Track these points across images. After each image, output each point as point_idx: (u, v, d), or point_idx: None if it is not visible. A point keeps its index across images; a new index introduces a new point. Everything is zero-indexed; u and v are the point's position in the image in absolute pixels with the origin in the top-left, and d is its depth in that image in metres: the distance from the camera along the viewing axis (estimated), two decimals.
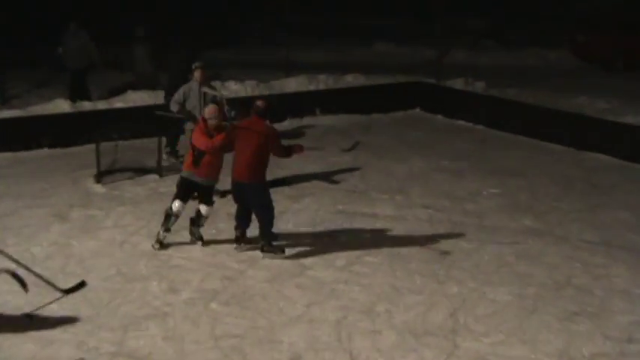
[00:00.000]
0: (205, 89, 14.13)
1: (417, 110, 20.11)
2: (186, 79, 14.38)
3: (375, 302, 10.51)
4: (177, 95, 14.11)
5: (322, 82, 20.18)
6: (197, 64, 14.21)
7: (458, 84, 20.67)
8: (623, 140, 16.48)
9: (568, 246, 12.26)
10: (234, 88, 19.39)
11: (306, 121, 19.01)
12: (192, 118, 13.90)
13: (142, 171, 15.23)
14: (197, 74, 14.06)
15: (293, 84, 19.98)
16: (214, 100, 13.64)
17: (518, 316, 10.24)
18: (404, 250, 12.06)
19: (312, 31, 27.90)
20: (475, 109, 19.10)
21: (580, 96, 19.88)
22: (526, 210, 13.71)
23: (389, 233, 12.60)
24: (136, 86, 19.21)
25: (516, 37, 29.12)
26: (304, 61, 22.96)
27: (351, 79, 20.61)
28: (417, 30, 26.46)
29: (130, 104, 18.09)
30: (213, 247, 12.05)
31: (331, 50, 26.50)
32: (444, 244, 12.28)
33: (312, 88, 19.95)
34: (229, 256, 11.69)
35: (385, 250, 12.04)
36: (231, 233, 12.01)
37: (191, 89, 14.11)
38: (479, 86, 20.67)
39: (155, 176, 15.00)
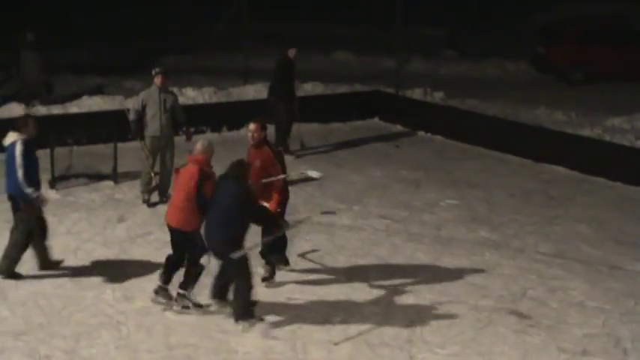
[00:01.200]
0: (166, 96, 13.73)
1: (376, 120, 20.07)
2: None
3: (331, 313, 10.44)
4: (136, 102, 13.75)
5: None
6: (157, 69, 13.84)
7: (417, 94, 20.71)
8: (581, 153, 16.55)
9: (524, 258, 12.27)
10: (191, 95, 19.27)
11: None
12: (137, 134, 13.54)
13: (98, 177, 15.08)
14: (157, 80, 13.61)
15: (251, 91, 19.88)
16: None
17: (474, 327, 10.22)
18: (361, 261, 12.02)
19: (272, 39, 27.79)
20: (434, 120, 19.08)
21: (539, 108, 20.06)
22: (483, 222, 13.72)
23: (346, 243, 12.54)
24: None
25: (476, 47, 29.23)
26: (263, 68, 22.83)
27: (310, 88, 20.55)
28: (377, 39, 26.44)
29: (85, 109, 17.92)
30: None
31: None
32: (401, 255, 12.25)
33: None
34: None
35: (342, 260, 11.99)
36: None
37: (150, 96, 13.66)
38: (438, 96, 20.75)
39: (110, 182, 14.87)
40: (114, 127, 15.12)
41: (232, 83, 20.58)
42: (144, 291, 10.79)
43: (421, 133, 19.01)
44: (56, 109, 17.91)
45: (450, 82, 23.67)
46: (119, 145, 15.01)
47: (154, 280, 11.00)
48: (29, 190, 10.78)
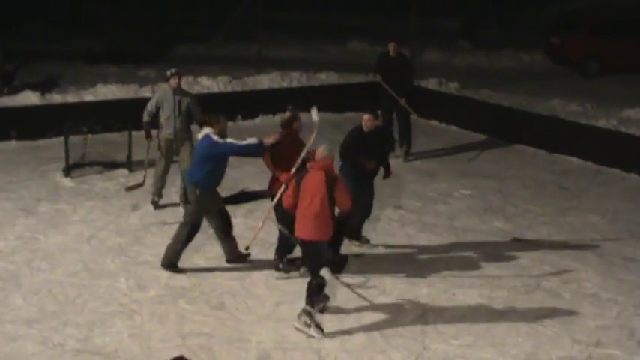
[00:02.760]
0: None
1: None
2: None
3: (344, 302, 10.45)
4: (150, 104, 13.25)
5: (295, 79, 20.09)
6: (172, 70, 13.18)
7: (431, 84, 20.63)
8: (595, 144, 16.51)
9: (538, 249, 12.25)
10: (206, 84, 19.27)
11: (278, 118, 18.79)
12: (149, 136, 13.23)
13: (112, 165, 15.13)
14: (172, 81, 13.06)
15: (266, 81, 19.89)
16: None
17: (487, 318, 10.22)
18: (374, 251, 12.02)
19: (286, 28, 27.81)
20: (448, 110, 19.05)
21: (553, 99, 19.97)
22: (497, 212, 13.71)
23: (360, 233, 12.52)
24: None
25: (491, 38, 29.15)
26: (277, 57, 22.87)
27: (325, 77, 20.54)
28: (392, 29, 26.40)
29: (101, 97, 17.95)
30: None
31: (305, 48, 26.41)
32: (415, 246, 12.24)
33: (284, 85, 19.82)
34: (198, 254, 11.59)
35: (355, 250, 11.99)
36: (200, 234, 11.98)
37: (165, 97, 13.15)
38: (452, 87, 20.66)
39: (125, 171, 14.89)
40: (128, 116, 15.11)
41: (247, 72, 20.55)
42: (158, 280, 10.85)
43: (435, 123, 18.95)
44: (71, 97, 17.92)
45: (465, 72, 23.68)
46: (133, 133, 14.96)
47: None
48: None
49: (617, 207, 14.12)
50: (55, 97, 17.81)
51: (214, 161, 10.87)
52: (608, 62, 24.94)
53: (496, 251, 12.14)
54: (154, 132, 13.29)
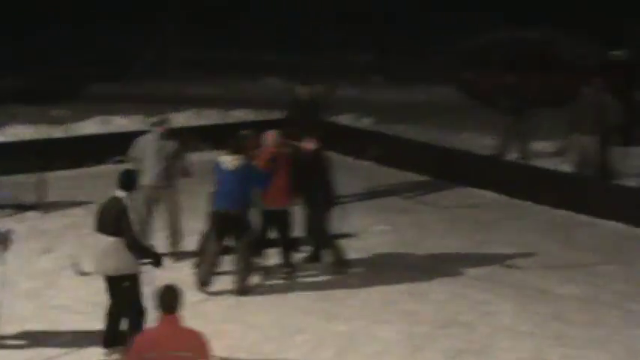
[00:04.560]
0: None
1: None
2: None
3: (262, 341, 10.40)
4: (132, 149, 12.96)
5: (210, 117, 20.02)
6: (159, 118, 13.24)
7: (346, 120, 20.73)
8: (508, 177, 16.75)
9: (455, 283, 12.35)
10: (120, 123, 19.12)
11: (194, 157, 18.70)
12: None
13: (23, 207, 14.81)
14: (160, 128, 12.97)
15: (181, 119, 19.74)
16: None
17: (405, 354, 10.25)
18: (291, 288, 11.99)
19: (201, 65, 27.73)
20: (363, 145, 19.13)
21: (466, 133, 20.21)
22: (414, 247, 13.78)
23: (276, 271, 12.47)
24: None
25: (404, 72, 29.42)
26: (192, 95, 22.80)
27: (240, 114, 20.49)
28: (306, 65, 26.52)
29: (10, 139, 17.66)
30: (98, 285, 11.76)
31: (220, 85, 26.40)
32: (332, 282, 12.23)
33: (200, 123, 19.75)
34: None
35: (272, 288, 11.95)
36: None
37: (148, 143, 12.88)
38: (367, 122, 20.78)
39: (36, 213, 14.62)
40: (40, 157, 14.90)
41: (162, 111, 20.27)
42: (71, 324, 10.64)
43: (350, 159, 19.00)
44: None
45: (379, 107, 23.72)
46: (45, 174, 14.72)
47: (81, 312, 10.86)
48: None
49: (530, 239, 14.31)
50: None
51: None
52: (520, 97, 25.32)
53: (413, 286, 12.18)
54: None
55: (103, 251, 9.73)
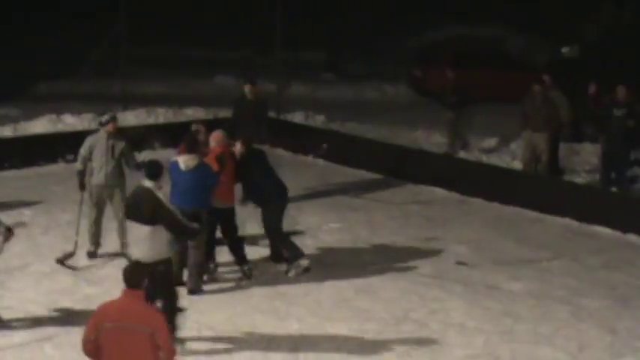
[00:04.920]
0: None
1: None
2: None
3: (215, 340, 10.39)
4: (83, 149, 12.76)
5: (161, 115, 19.96)
6: (109, 116, 12.91)
7: (297, 117, 20.75)
8: (458, 174, 16.88)
9: (406, 280, 12.43)
10: (70, 121, 18.98)
11: (145, 155, 18.60)
12: (83, 186, 12.74)
13: None
14: (109, 126, 12.72)
15: (131, 117, 19.66)
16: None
17: (358, 351, 10.30)
18: (244, 287, 12.02)
19: (151, 63, 27.59)
20: (315, 143, 19.13)
21: (417, 130, 20.32)
22: (366, 244, 13.85)
23: (228, 269, 12.48)
24: None
25: (354, 70, 29.52)
26: (143, 93, 22.64)
27: (191, 113, 20.44)
28: (257, 63, 26.50)
29: None
30: (48, 285, 11.72)
31: (170, 83, 26.30)
32: (285, 280, 12.26)
33: (150, 121, 19.74)
34: (63, 296, 11.34)
35: (225, 286, 11.97)
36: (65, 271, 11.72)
37: (98, 142, 12.72)
38: (319, 120, 20.82)
39: None
40: None
41: (112, 109, 20.13)
42: (22, 325, 10.54)
43: (302, 157, 19.03)
44: None
45: (330, 105, 23.79)
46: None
47: (32, 312, 10.81)
48: None
49: (481, 236, 14.44)
50: None
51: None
52: (470, 93, 25.48)
53: (365, 284, 12.24)
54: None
55: (137, 239, 10.08)
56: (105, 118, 12.90)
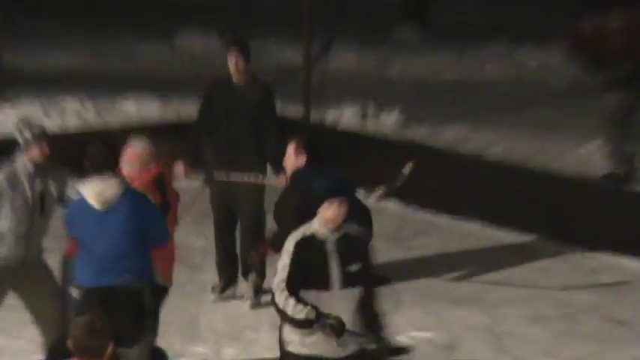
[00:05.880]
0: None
1: None
2: None
3: None
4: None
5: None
6: (36, 131, 7.59)
7: (347, 115, 14.40)
8: None
9: None
10: None
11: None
12: None
13: None
14: (34, 151, 7.52)
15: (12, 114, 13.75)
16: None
17: None
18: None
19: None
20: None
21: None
22: None
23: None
24: None
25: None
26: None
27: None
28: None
29: None
30: None
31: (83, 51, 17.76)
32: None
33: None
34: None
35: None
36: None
37: (10, 183, 7.74)
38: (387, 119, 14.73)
39: None
40: None
41: None
42: None
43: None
44: None
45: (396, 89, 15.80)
46: None
47: None
48: None
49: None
50: None
51: None
52: None
53: None
54: None
55: None
56: (27, 135, 7.64)
